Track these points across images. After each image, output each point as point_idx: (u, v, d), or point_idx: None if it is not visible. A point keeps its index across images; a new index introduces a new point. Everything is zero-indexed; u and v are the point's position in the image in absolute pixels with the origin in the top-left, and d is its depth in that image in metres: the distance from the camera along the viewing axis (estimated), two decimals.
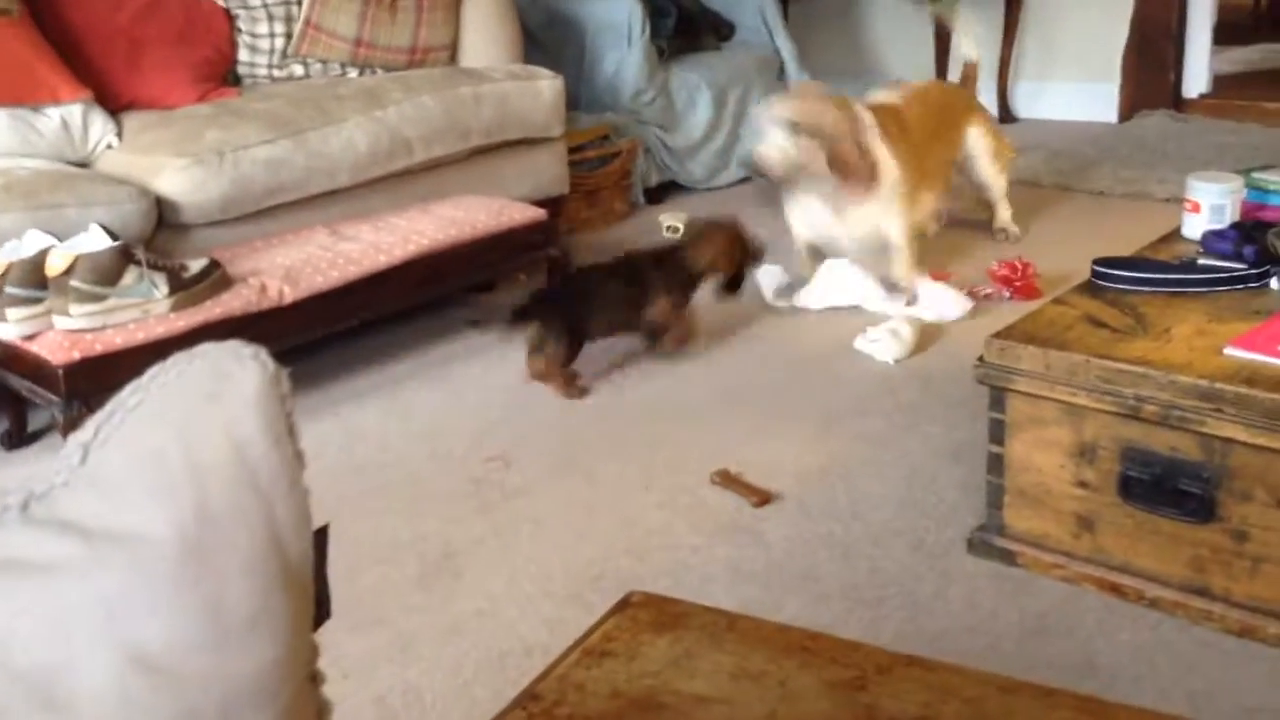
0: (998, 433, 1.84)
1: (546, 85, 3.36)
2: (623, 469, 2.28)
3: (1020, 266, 2.92)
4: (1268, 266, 1.86)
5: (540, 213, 3.04)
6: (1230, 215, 2.06)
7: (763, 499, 2.11)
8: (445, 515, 2.15)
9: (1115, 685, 1.59)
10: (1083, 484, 1.76)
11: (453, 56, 3.57)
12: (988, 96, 4.76)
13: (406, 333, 3.05)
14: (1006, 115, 4.75)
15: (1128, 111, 4.53)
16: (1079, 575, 1.79)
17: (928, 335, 2.77)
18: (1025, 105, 4.80)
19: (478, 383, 2.75)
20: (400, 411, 2.61)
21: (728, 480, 2.18)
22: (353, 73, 3.42)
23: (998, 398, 1.82)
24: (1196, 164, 3.76)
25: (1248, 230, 1.97)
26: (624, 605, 0.89)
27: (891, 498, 2.11)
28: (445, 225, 2.85)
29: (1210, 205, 2.07)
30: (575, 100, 3.99)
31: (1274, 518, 1.59)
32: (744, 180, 4.11)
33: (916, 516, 2.04)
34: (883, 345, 2.70)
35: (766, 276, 3.11)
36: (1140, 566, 1.74)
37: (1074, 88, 4.66)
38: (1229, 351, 1.65)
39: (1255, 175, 2.14)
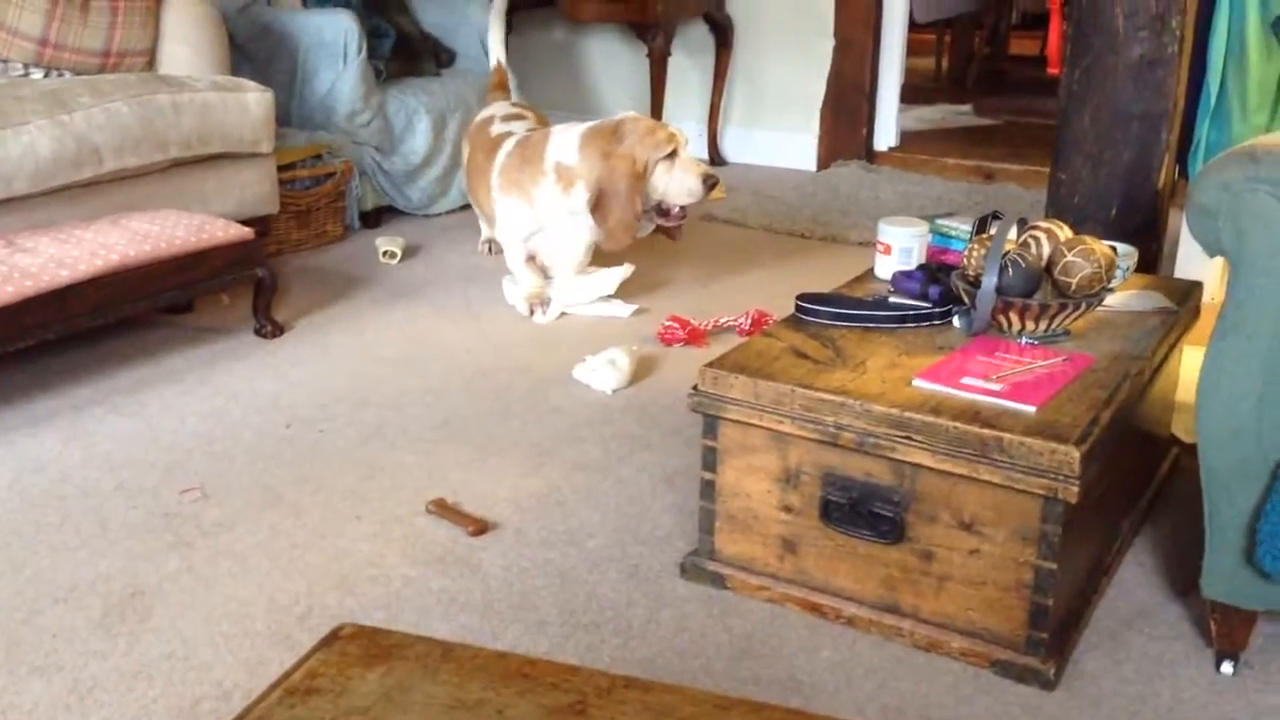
0: (710, 459, 1.89)
1: (254, 98, 3.21)
2: (331, 500, 2.19)
3: (682, 322, 3.02)
4: (950, 306, 2.01)
5: (245, 231, 2.89)
6: (917, 258, 2.22)
7: (479, 528, 2.07)
8: (133, 552, 1.99)
9: (816, 701, 1.66)
10: (787, 508, 1.84)
11: (151, 63, 3.35)
12: (697, 140, 4.98)
13: (92, 355, 2.82)
14: (716, 158, 4.96)
15: (825, 161, 4.83)
16: (783, 596, 1.86)
17: (645, 365, 2.83)
18: (733, 150, 5.03)
19: (172, 409, 2.56)
20: (83, 440, 2.40)
21: (443, 509, 2.13)
22: (37, 74, 3.15)
23: (711, 425, 1.87)
24: (886, 211, 4.07)
25: (933, 272, 2.12)
26: (332, 639, 0.84)
27: (608, 525, 2.12)
28: (138, 240, 2.66)
29: (900, 248, 2.22)
30: (287, 117, 3.84)
31: (956, 538, 1.71)
32: (465, 207, 4.08)
33: (632, 543, 2.06)
34: (600, 375, 2.73)
35: (514, 287, 3.23)
36: (839, 586, 1.83)
37: (777, 136, 4.93)
38: (917, 383, 1.77)
39: (939, 222, 2.31)
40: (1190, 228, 1.63)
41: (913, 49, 6.81)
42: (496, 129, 3.35)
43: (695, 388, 1.86)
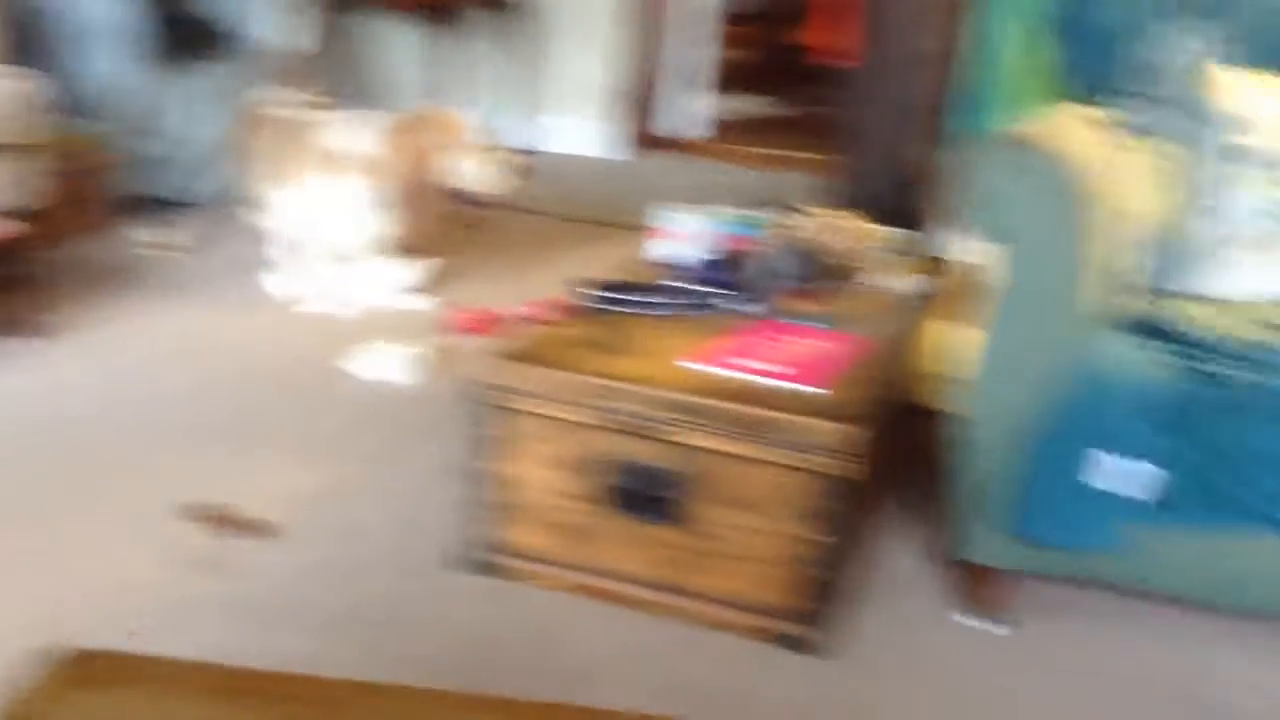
0: (489, 450, 1.87)
1: (13, 85, 3.00)
2: (94, 506, 2.06)
3: (480, 311, 2.99)
4: (734, 291, 2.05)
5: (10, 224, 2.70)
6: (708, 244, 2.25)
7: (251, 529, 2.00)
8: None
9: (602, 686, 1.66)
10: (573, 496, 1.83)
11: None
12: (501, 127, 4.93)
13: None
14: (518, 147, 4.92)
15: (636, 149, 4.86)
16: (570, 584, 1.86)
17: (441, 358, 2.78)
18: (537, 138, 5.00)
19: None
20: None
21: (210, 513, 2.04)
22: None
23: (493, 414, 1.85)
24: (690, 199, 4.10)
25: (720, 259, 2.16)
26: (54, 663, 0.78)
27: (389, 521, 2.07)
28: None
29: (689, 234, 2.25)
30: (57, 104, 3.61)
31: (736, 517, 1.74)
32: (243, 197, 3.91)
33: (415, 538, 2.02)
34: (383, 366, 2.67)
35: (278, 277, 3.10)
36: (626, 571, 1.83)
37: (582, 124, 4.93)
38: (699, 367, 1.79)
39: (728, 210, 2.35)
40: (969, 214, 1.70)
41: (729, 40, 6.96)
42: (283, 115, 3.23)
43: (478, 377, 1.84)
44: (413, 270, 3.17)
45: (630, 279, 2.16)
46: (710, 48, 4.91)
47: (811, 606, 1.73)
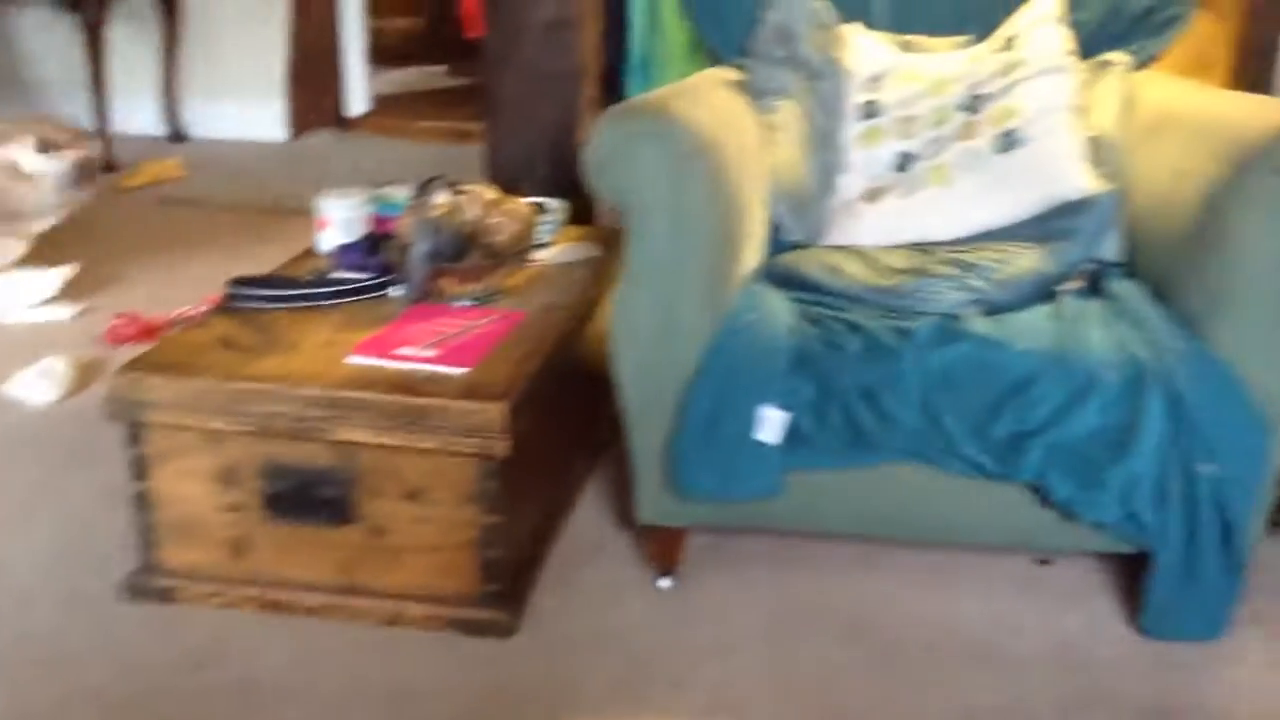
0: (139, 468, 1.75)
1: None
2: None
3: (132, 317, 2.82)
4: (389, 276, 2.00)
5: None
6: (359, 229, 2.18)
7: None
8: None
9: (276, 698, 1.60)
10: (231, 508, 1.74)
11: None
12: (150, 115, 4.62)
13: None
14: (176, 134, 4.63)
15: (296, 130, 4.66)
16: (237, 599, 1.77)
17: (90, 371, 2.58)
18: (196, 124, 4.71)
19: None
20: None
21: None
22: None
23: (134, 432, 1.73)
24: (359, 179, 3.97)
25: (373, 242, 2.10)
26: None
27: (43, 552, 1.92)
28: None
29: (340, 220, 2.18)
30: None
31: (404, 510, 1.71)
32: None
33: (71, 568, 1.87)
34: (35, 387, 2.46)
35: None
36: (296, 578, 1.77)
37: (243, 106, 4.68)
38: (351, 359, 1.74)
39: (379, 190, 2.29)
40: (591, 181, 1.72)
41: (391, 9, 6.78)
42: None
43: (109, 394, 1.71)
44: (46, 278, 2.92)
45: (278, 272, 2.08)
46: (363, 17, 4.76)
47: (493, 589, 1.73)
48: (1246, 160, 1.60)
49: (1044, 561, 1.97)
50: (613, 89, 2.84)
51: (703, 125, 1.71)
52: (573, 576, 1.90)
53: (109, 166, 4.20)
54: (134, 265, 3.29)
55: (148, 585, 1.79)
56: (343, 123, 4.75)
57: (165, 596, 1.78)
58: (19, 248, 2.87)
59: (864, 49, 2.23)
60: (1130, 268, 1.95)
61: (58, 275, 2.93)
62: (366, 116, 4.83)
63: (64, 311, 2.91)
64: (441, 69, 6.07)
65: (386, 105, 5.06)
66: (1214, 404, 1.65)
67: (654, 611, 1.82)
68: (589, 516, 2.08)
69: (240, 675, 1.65)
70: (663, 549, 1.88)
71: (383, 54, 5.82)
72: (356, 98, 4.81)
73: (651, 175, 1.65)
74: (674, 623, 1.79)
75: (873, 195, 2.13)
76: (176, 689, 1.61)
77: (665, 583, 1.88)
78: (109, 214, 3.70)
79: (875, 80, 2.19)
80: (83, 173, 2.73)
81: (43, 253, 2.96)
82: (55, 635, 1.71)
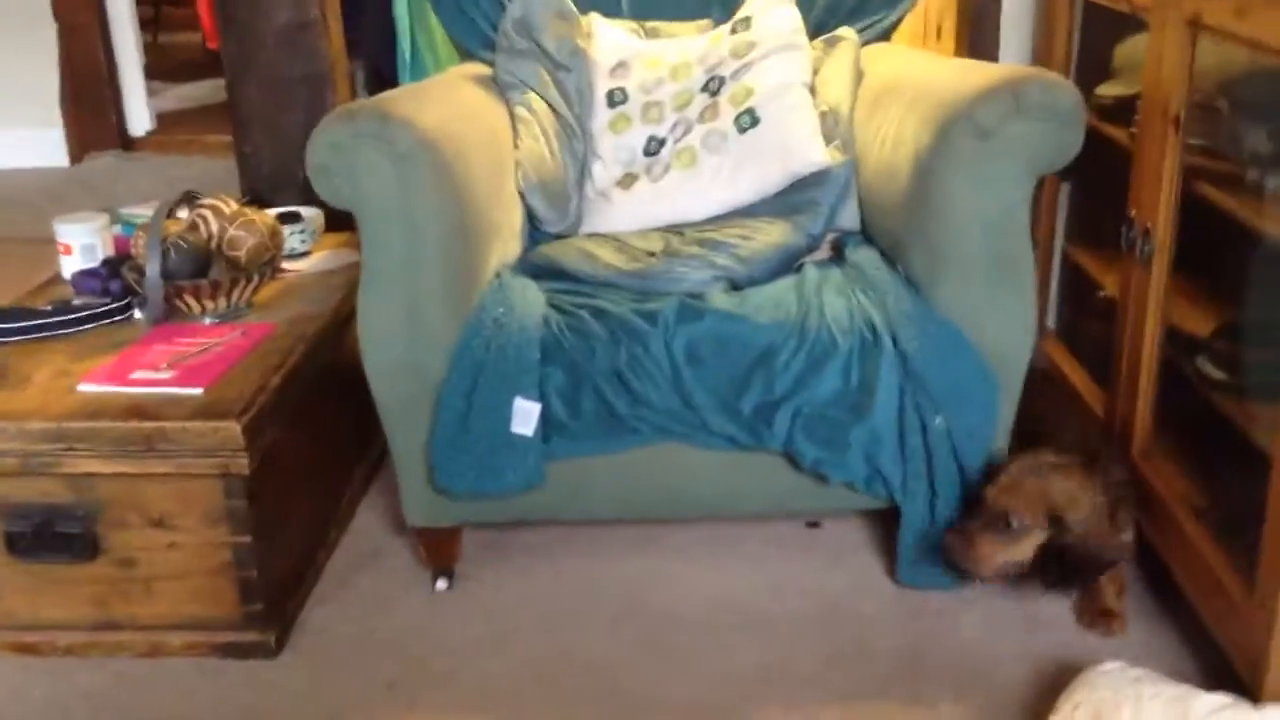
0: None
1: None
2: None
3: None
4: (129, 299, 1.94)
5: None
6: (102, 253, 2.11)
7: None
8: None
9: None
10: None
11: None
12: None
13: None
14: None
15: (77, 154, 4.47)
16: None
17: None
18: None
19: None
20: None
21: None
22: None
23: None
24: (149, 199, 3.85)
25: (114, 266, 2.03)
26: None
27: None
28: None
29: (80, 245, 2.10)
30: None
31: (152, 537, 1.66)
32: None
33: None
34: None
35: None
36: (48, 618, 1.71)
37: (18, 134, 4.47)
38: (82, 388, 1.68)
39: (123, 211, 2.22)
40: (314, 186, 1.69)
41: (178, 24, 6.55)
42: None
43: None
44: None
45: (16, 303, 1.99)
46: (136, 35, 4.60)
47: (254, 609, 1.70)
48: (948, 123, 1.67)
49: (813, 524, 2.03)
50: (390, 87, 2.81)
51: (430, 122, 1.70)
52: (348, 585, 1.88)
53: None
54: None
55: None
56: (127, 142, 4.57)
57: None
58: None
59: (606, 37, 2.25)
60: (867, 235, 2.03)
61: None
62: (151, 135, 4.66)
63: None
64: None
65: (173, 122, 4.88)
66: (941, 361, 1.72)
67: (429, 613, 1.81)
68: (368, 524, 2.06)
69: None
70: (437, 550, 1.88)
71: (173, 70, 5.62)
72: (139, 116, 4.63)
73: (374, 176, 1.64)
74: (449, 622, 1.79)
75: (625, 182, 2.16)
76: None
77: (442, 584, 1.88)
78: None
79: (619, 68, 2.22)
80: None
81: None
82: None
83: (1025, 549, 1.65)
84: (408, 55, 3.00)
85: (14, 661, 1.70)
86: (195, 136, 4.67)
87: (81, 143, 4.51)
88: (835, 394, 1.73)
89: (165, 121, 4.82)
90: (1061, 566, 1.64)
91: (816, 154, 2.04)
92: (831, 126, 2.09)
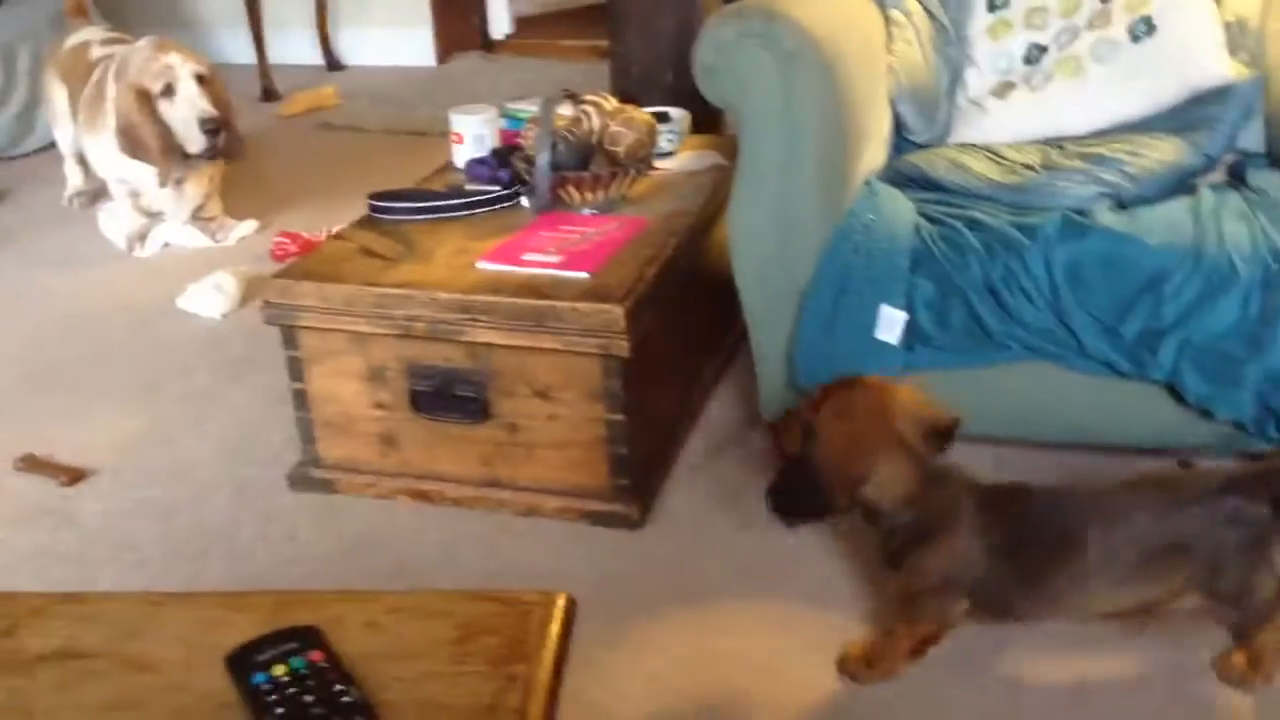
0: (297, 369, 1.89)
1: None
2: None
3: (294, 236, 2.98)
4: (516, 187, 2.08)
5: None
6: (490, 143, 2.27)
7: (73, 476, 2.00)
8: None
9: (422, 580, 1.73)
10: (379, 405, 1.87)
11: None
12: (309, 46, 4.80)
13: None
14: (332, 63, 4.82)
15: (443, 54, 4.78)
16: (390, 490, 1.91)
17: (257, 285, 2.76)
18: (349, 52, 4.89)
19: None
20: None
21: (33, 464, 2.03)
22: None
23: (290, 335, 1.87)
24: (505, 99, 4.09)
25: (503, 155, 2.18)
26: None
27: (217, 451, 2.09)
28: None
29: (472, 135, 2.26)
30: None
31: (535, 407, 1.80)
32: (51, 145, 3.78)
33: (241, 465, 2.04)
34: (207, 301, 2.65)
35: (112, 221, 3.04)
36: (440, 471, 1.89)
37: (392, 34, 4.82)
38: (480, 265, 1.83)
39: (509, 106, 2.36)
40: (699, 85, 1.75)
41: None
42: (96, 53, 3.08)
43: (267, 300, 1.85)
44: (240, 234, 3.11)
45: (415, 187, 2.18)
46: None
47: (618, 482, 1.82)
48: None
49: (1185, 464, 1.93)
50: None
51: (814, 24, 1.71)
52: (700, 473, 1.97)
53: (268, 96, 4.41)
54: (294, 188, 3.47)
55: (309, 477, 1.94)
56: (487, 45, 4.84)
57: (326, 487, 1.94)
58: (200, 187, 3.05)
59: None
60: (1274, 158, 1.88)
61: (239, 229, 3.11)
62: (510, 39, 4.92)
63: (247, 231, 3.11)
64: None
65: (529, 26, 5.12)
66: None
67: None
68: (720, 416, 2.14)
69: (389, 559, 1.78)
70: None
71: None
72: (500, 21, 4.89)
73: (759, 76, 1.67)
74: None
75: (1001, 90, 2.09)
76: (332, 572, 1.76)
77: None
78: (270, 141, 3.91)
79: None
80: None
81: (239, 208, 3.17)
82: (224, 526, 1.88)
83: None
84: None
85: (409, 507, 1.90)
86: (549, 41, 4.88)
87: (447, 44, 4.81)
88: (1231, 326, 1.62)
89: (521, 26, 5.06)
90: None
91: (1219, 67, 1.90)
92: (1237, 37, 1.93)
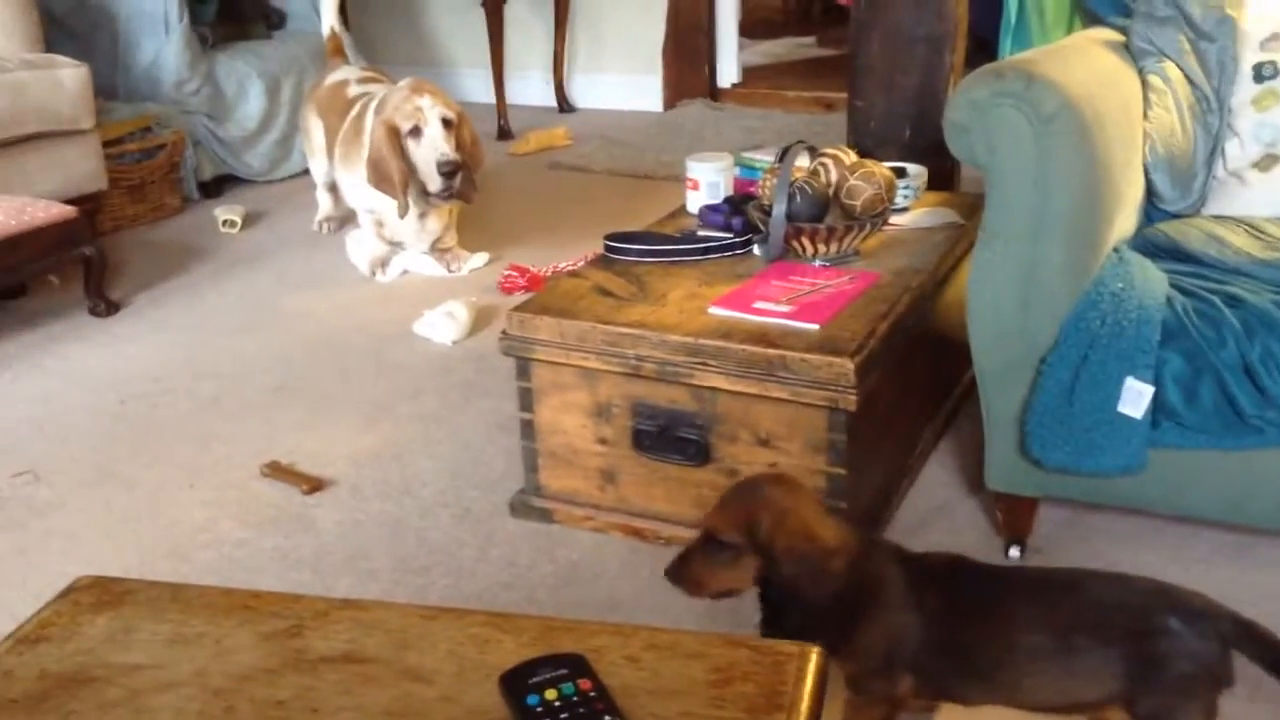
0: (526, 400, 1.96)
1: (69, 75, 3.15)
2: (166, 471, 2.21)
3: (522, 270, 3.08)
4: (749, 235, 2.10)
5: (68, 210, 2.85)
6: (724, 191, 2.30)
7: (313, 486, 2.12)
8: None
9: (635, 615, 1.75)
10: (602, 440, 1.92)
11: None
12: (544, 88, 5.00)
13: None
14: (564, 105, 4.99)
15: (670, 101, 4.89)
16: (606, 524, 1.95)
17: (485, 315, 2.87)
18: (580, 96, 5.06)
19: (3, 394, 2.54)
20: None
21: (277, 471, 2.17)
22: None
23: (523, 367, 1.93)
24: (730, 147, 4.14)
25: (736, 204, 2.21)
26: (68, 591, 0.89)
27: (443, 472, 2.18)
28: None
29: (706, 182, 2.30)
30: (113, 90, 3.76)
31: (756, 454, 1.81)
32: (306, 171, 4.05)
33: (465, 487, 2.12)
34: (440, 327, 2.77)
35: (358, 247, 3.22)
36: (656, 510, 1.92)
37: (622, 79, 4.97)
38: (712, 311, 1.85)
39: (744, 155, 2.40)
40: (949, 143, 1.73)
41: None
42: (354, 91, 3.30)
43: (504, 331, 1.92)
44: (473, 266, 3.25)
45: (650, 229, 2.23)
46: None
47: None
48: None
49: None
50: (988, 52, 2.80)
51: (1071, 86, 1.67)
52: (917, 535, 1.92)
53: (503, 134, 4.60)
54: (524, 223, 3.61)
55: (530, 505, 2.00)
56: (714, 93, 4.92)
57: (546, 517, 1.99)
58: (440, 220, 3.21)
59: (1260, 5, 2.07)
60: None
61: (473, 261, 3.26)
62: (736, 87, 4.98)
63: (480, 263, 3.25)
64: (810, 40, 6.14)
65: (755, 76, 5.18)
66: None
67: None
68: (936, 480, 2.09)
69: (603, 592, 1.81)
70: (1013, 517, 1.87)
71: (753, 27, 5.95)
72: (727, 69, 4.96)
73: (1012, 138, 1.64)
74: None
75: (1264, 164, 1.99)
76: (548, 599, 1.80)
77: (1014, 552, 1.87)
78: (503, 178, 4.08)
79: (1272, 40, 2.03)
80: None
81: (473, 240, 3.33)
82: (449, 545, 1.95)
83: (743, 572, 1.33)
84: (1013, 18, 2.95)
85: (623, 542, 1.93)
86: (774, 91, 4.93)
87: (674, 91, 4.92)
88: None
89: (747, 75, 5.12)
90: (768, 596, 1.33)
91: None
92: None
